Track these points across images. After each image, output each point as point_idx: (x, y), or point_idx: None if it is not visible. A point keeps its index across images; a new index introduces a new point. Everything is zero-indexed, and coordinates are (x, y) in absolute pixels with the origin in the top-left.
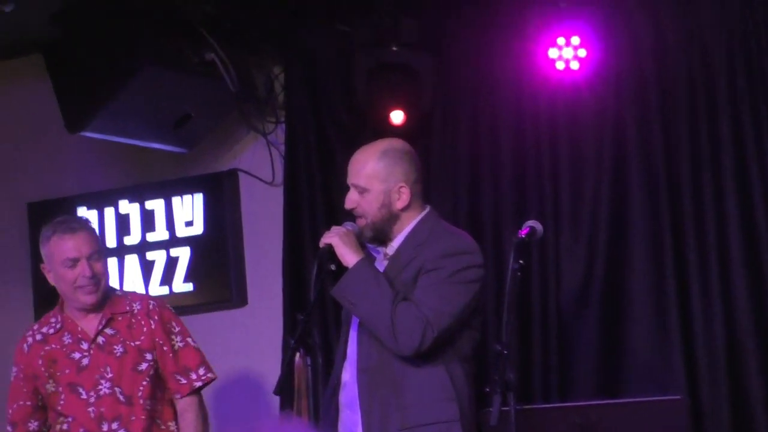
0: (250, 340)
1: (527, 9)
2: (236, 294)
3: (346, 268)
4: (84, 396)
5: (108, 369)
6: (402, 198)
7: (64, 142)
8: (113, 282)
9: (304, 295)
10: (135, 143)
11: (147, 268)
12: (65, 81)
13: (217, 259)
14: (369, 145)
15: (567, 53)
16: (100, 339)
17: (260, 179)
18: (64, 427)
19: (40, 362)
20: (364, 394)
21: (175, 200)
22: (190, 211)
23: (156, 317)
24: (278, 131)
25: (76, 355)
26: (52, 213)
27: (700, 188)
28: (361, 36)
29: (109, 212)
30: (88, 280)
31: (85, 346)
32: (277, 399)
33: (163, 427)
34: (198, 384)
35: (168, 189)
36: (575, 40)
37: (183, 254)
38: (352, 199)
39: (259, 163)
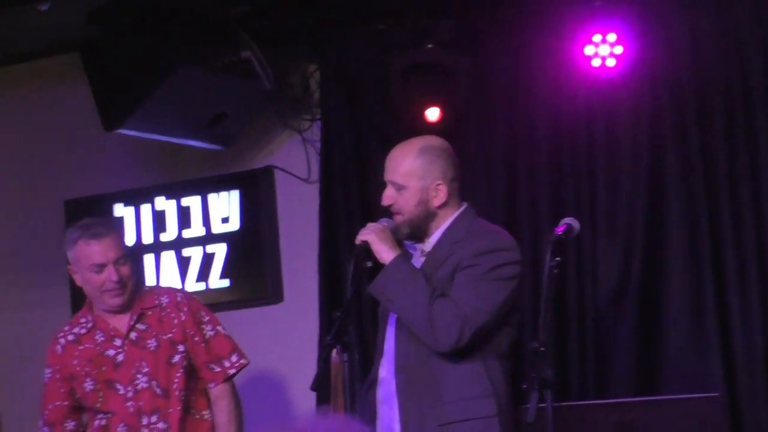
0: (286, 336)
1: (563, 6)
2: (272, 290)
3: (382, 265)
4: (122, 391)
5: (143, 363)
6: (439, 195)
7: (101, 140)
8: (150, 278)
9: (340, 291)
10: (171, 141)
11: (183, 264)
12: (102, 79)
13: (253, 256)
14: (407, 142)
15: (603, 50)
16: (132, 335)
17: (296, 176)
18: (102, 423)
19: (75, 362)
20: (402, 391)
21: (212, 197)
22: (226, 208)
23: (185, 309)
24: (314, 128)
25: (111, 352)
26: (88, 210)
27: (737, 187)
28: (396, 34)
29: (145, 209)
30: (115, 284)
31: (118, 342)
32: (313, 395)
33: (197, 416)
34: (232, 371)
35: (204, 186)
36: (611, 37)
37: (219, 251)
38: (389, 196)
39: (294, 160)
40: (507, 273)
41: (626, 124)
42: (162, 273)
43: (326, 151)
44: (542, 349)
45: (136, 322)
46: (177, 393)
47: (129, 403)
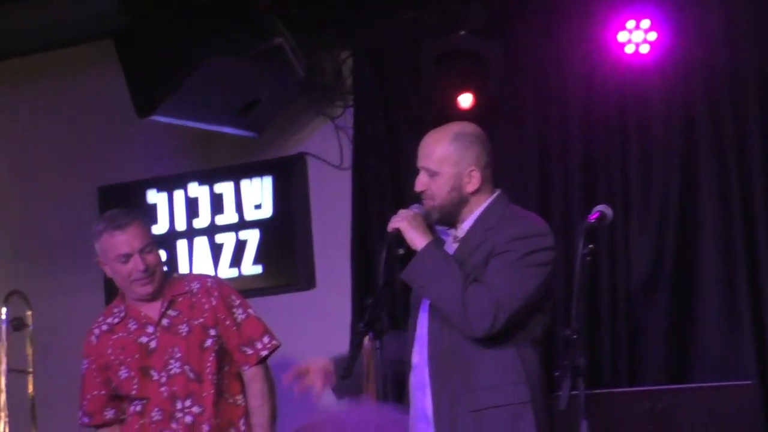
0: (318, 322)
1: None
2: (304, 277)
3: (415, 252)
4: (156, 377)
5: (176, 349)
6: (472, 182)
7: (135, 128)
8: (183, 264)
9: (372, 278)
10: (204, 128)
11: (216, 250)
12: (135, 67)
13: (285, 242)
14: (440, 128)
15: (637, 37)
16: (164, 321)
17: (328, 163)
18: (138, 409)
19: (109, 351)
20: (436, 377)
21: (244, 183)
22: (259, 195)
23: (216, 293)
24: (346, 115)
25: (144, 339)
26: (122, 197)
27: None
28: (428, 21)
29: (178, 195)
30: (142, 273)
31: (150, 329)
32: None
33: (230, 400)
34: (264, 353)
35: (237, 172)
36: (645, 23)
37: (252, 237)
38: (422, 182)
39: (327, 147)
40: (541, 259)
41: (659, 112)
42: (195, 259)
43: (358, 138)
44: (574, 336)
45: (168, 308)
46: (210, 377)
47: (163, 389)
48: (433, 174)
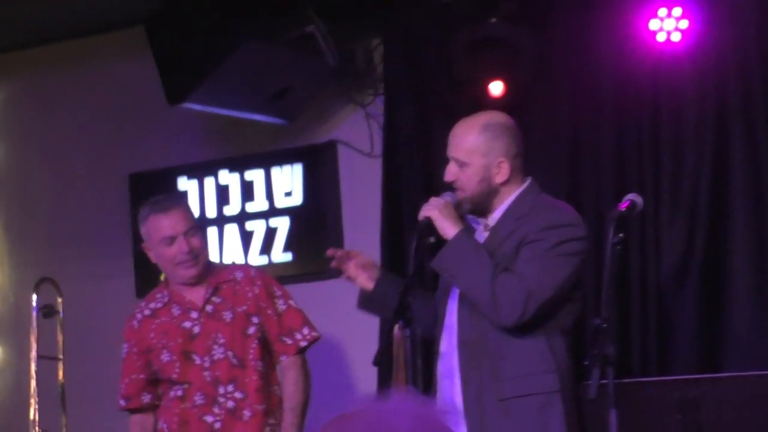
0: (348, 310)
1: None
2: None
3: (445, 241)
4: (198, 362)
5: (219, 335)
6: (502, 172)
7: (166, 115)
8: (213, 251)
9: (403, 266)
10: (235, 115)
11: (246, 238)
12: (167, 53)
13: (315, 230)
14: (470, 118)
15: (668, 24)
16: (208, 307)
17: (359, 151)
18: (179, 393)
19: (152, 335)
20: (464, 365)
21: (275, 171)
22: (289, 182)
23: (259, 282)
24: (377, 103)
25: (187, 324)
26: (153, 184)
27: None
28: (460, 8)
29: (209, 182)
30: (187, 256)
31: (194, 315)
32: (374, 370)
33: (271, 389)
34: (303, 344)
35: (267, 160)
36: (677, 11)
37: (282, 224)
38: (451, 172)
39: (357, 134)
40: (572, 248)
41: (691, 100)
42: (225, 246)
43: (389, 126)
44: (604, 325)
45: (212, 295)
46: (253, 363)
47: (206, 373)
48: (462, 164)
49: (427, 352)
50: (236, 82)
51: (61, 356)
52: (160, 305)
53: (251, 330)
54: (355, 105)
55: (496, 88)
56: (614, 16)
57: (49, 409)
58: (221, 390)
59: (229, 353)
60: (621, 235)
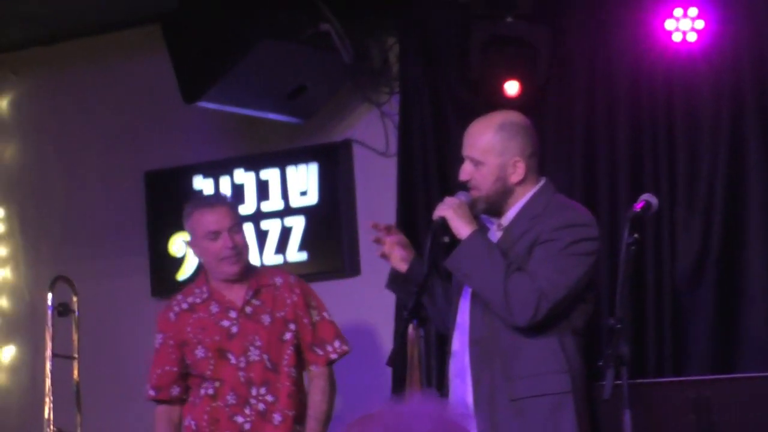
0: (363, 309)
1: None
2: (349, 264)
3: (459, 240)
4: (233, 361)
5: (257, 338)
6: (517, 172)
7: (181, 113)
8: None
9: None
10: (250, 114)
11: (261, 237)
12: (182, 52)
13: (330, 229)
14: (485, 117)
15: (684, 25)
16: (247, 309)
17: (374, 149)
18: (210, 391)
19: (189, 329)
20: (476, 365)
21: (290, 170)
22: (304, 181)
23: (298, 291)
24: (392, 102)
25: (225, 323)
26: (168, 182)
27: None
28: (476, 7)
29: (224, 181)
30: (231, 251)
31: (233, 315)
32: (389, 370)
33: (301, 396)
34: (333, 356)
35: (283, 159)
36: (692, 11)
37: (297, 224)
38: (466, 171)
39: (373, 133)
40: (585, 249)
41: (707, 100)
42: None
43: (405, 125)
44: (618, 326)
45: (252, 297)
46: (287, 369)
47: (240, 373)
48: (477, 164)
49: (440, 351)
50: (251, 80)
51: (76, 355)
52: (198, 300)
53: (287, 336)
54: (371, 104)
55: (512, 87)
56: (630, 16)
57: (63, 407)
58: (254, 392)
59: (265, 356)
60: (636, 235)
